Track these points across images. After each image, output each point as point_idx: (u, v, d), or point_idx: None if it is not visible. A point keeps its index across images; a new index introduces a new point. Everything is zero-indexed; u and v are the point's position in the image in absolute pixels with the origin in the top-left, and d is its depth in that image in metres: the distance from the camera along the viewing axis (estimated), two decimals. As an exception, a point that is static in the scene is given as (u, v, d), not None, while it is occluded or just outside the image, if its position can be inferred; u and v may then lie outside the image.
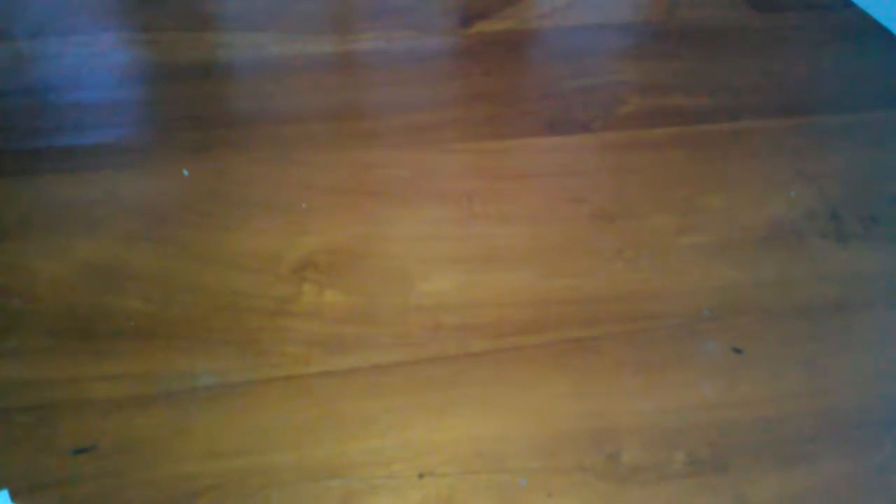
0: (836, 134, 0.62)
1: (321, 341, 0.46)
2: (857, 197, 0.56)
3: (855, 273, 0.51)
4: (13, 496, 0.39)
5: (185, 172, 0.54)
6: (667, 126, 0.61)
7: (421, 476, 0.40)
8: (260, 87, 0.59)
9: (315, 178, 0.55)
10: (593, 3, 0.72)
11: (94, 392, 0.43)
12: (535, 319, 0.47)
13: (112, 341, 0.45)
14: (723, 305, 0.48)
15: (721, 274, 0.50)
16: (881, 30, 0.70)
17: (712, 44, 0.68)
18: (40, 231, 0.50)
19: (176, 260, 0.50)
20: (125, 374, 0.44)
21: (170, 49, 0.62)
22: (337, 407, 0.43)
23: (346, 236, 0.52)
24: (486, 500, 0.40)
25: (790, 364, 0.46)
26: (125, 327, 0.46)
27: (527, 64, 0.67)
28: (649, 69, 0.66)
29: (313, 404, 0.43)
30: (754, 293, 0.49)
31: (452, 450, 0.41)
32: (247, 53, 0.62)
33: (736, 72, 0.66)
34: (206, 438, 0.41)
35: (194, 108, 0.58)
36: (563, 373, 0.45)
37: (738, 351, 0.46)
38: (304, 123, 0.58)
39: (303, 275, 0.49)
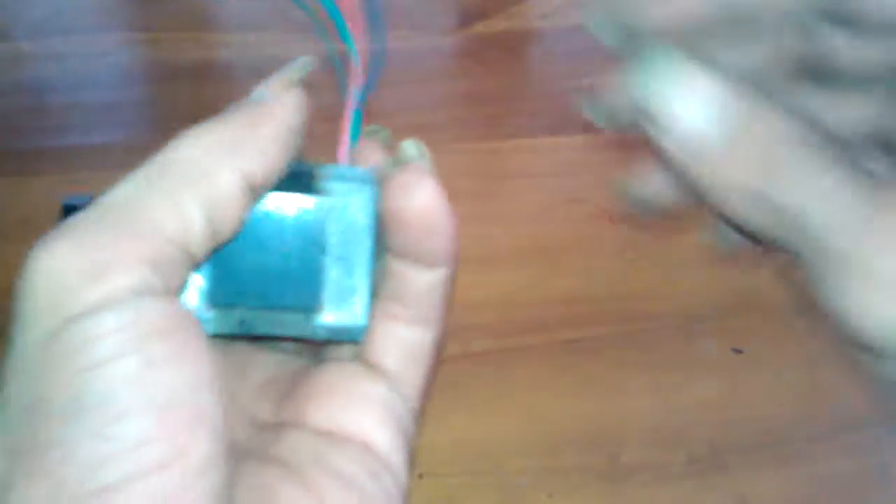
0: (837, 134, 0.62)
1: (321, 341, 0.45)
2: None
3: (855, 273, 0.51)
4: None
5: (186, 172, 0.54)
6: (667, 126, 0.61)
7: (421, 476, 0.40)
8: (260, 87, 0.59)
9: (315, 179, 0.54)
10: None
11: (95, 392, 0.43)
12: (536, 320, 0.47)
13: (112, 341, 0.45)
14: (723, 305, 0.48)
15: (721, 274, 0.50)
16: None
17: (712, 44, 0.68)
18: (41, 231, 0.50)
19: (176, 260, 0.50)
20: (125, 375, 0.44)
21: (170, 49, 0.62)
22: (337, 407, 0.43)
23: (347, 236, 0.51)
24: (486, 500, 0.40)
25: (790, 364, 0.46)
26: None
27: (527, 64, 0.67)
28: (649, 69, 0.65)
29: (313, 404, 0.43)
30: (754, 293, 0.49)
31: (453, 450, 0.41)
32: (247, 53, 0.62)
33: (736, 72, 0.66)
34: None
35: (195, 109, 0.58)
36: (564, 373, 0.45)
37: (738, 351, 0.46)
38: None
39: (303, 275, 0.49)
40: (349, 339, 0.26)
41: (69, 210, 0.25)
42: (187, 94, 0.59)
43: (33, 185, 0.53)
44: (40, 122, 0.57)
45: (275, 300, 0.25)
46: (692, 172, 0.22)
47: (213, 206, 0.22)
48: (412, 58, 0.64)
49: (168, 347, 0.20)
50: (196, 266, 0.22)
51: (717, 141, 0.21)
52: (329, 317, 0.25)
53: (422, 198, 0.24)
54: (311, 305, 0.25)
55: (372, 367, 0.26)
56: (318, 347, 0.28)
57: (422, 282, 0.26)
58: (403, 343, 0.26)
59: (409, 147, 0.26)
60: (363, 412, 0.25)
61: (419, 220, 0.24)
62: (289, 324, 0.25)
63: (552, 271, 0.50)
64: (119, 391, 0.19)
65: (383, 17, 0.26)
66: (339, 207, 0.25)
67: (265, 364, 0.28)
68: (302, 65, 0.25)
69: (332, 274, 0.25)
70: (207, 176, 0.22)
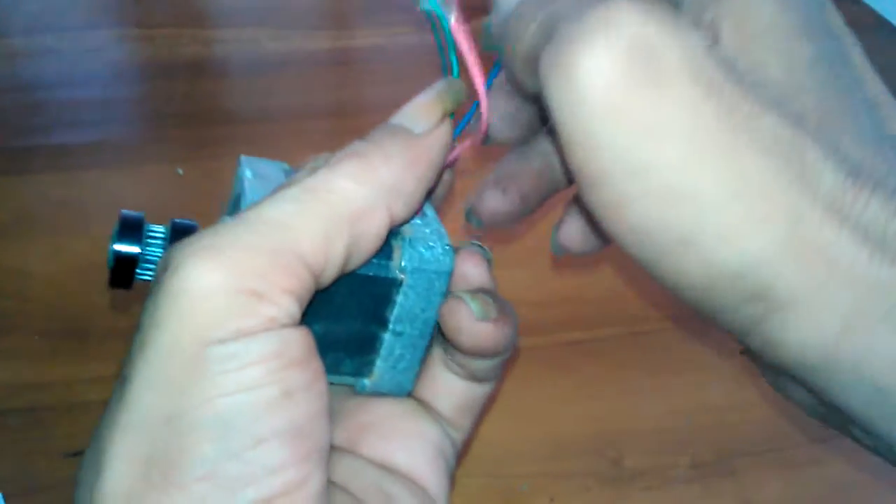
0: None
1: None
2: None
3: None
4: (6, 499, 0.39)
5: (180, 171, 0.53)
6: (669, 124, 0.61)
7: (420, 480, 0.40)
8: (256, 85, 0.59)
9: (313, 177, 0.54)
10: None
11: (88, 394, 0.43)
12: (537, 321, 0.46)
13: (106, 343, 0.45)
14: (727, 306, 0.48)
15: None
16: (889, 27, 0.70)
17: (715, 40, 0.68)
18: (33, 230, 0.50)
19: (171, 260, 0.49)
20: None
21: (165, 46, 0.62)
22: (335, 410, 0.42)
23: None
24: (486, 505, 0.39)
25: (795, 366, 0.45)
26: (120, 328, 0.45)
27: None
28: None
29: (311, 407, 0.42)
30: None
31: (452, 454, 0.41)
32: (243, 50, 0.61)
33: (739, 69, 0.66)
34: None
35: (189, 106, 0.58)
36: (566, 375, 0.44)
37: (743, 353, 0.46)
38: (301, 121, 0.57)
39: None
40: (394, 395, 0.27)
41: (179, 232, 0.26)
42: (182, 90, 0.59)
43: (26, 184, 0.52)
44: (33, 120, 0.56)
45: (332, 367, 0.25)
46: (507, 55, 0.22)
47: (357, 242, 0.22)
48: (412, 55, 0.64)
49: (303, 378, 0.20)
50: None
51: (507, 10, 0.22)
52: (377, 381, 0.26)
53: (477, 331, 0.25)
54: (363, 372, 0.26)
55: (426, 407, 0.27)
56: None
57: None
58: (459, 393, 0.27)
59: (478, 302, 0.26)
60: (418, 451, 0.26)
61: (471, 346, 0.25)
62: (341, 379, 0.26)
63: (553, 272, 0.49)
64: (261, 418, 0.19)
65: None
66: (410, 295, 0.25)
67: None
68: (457, 92, 0.25)
69: (387, 344, 0.26)
70: (364, 213, 0.22)
